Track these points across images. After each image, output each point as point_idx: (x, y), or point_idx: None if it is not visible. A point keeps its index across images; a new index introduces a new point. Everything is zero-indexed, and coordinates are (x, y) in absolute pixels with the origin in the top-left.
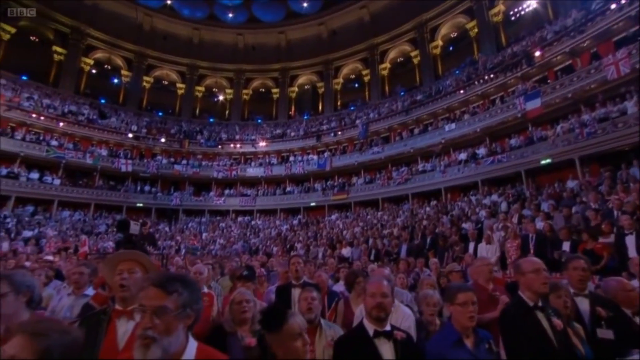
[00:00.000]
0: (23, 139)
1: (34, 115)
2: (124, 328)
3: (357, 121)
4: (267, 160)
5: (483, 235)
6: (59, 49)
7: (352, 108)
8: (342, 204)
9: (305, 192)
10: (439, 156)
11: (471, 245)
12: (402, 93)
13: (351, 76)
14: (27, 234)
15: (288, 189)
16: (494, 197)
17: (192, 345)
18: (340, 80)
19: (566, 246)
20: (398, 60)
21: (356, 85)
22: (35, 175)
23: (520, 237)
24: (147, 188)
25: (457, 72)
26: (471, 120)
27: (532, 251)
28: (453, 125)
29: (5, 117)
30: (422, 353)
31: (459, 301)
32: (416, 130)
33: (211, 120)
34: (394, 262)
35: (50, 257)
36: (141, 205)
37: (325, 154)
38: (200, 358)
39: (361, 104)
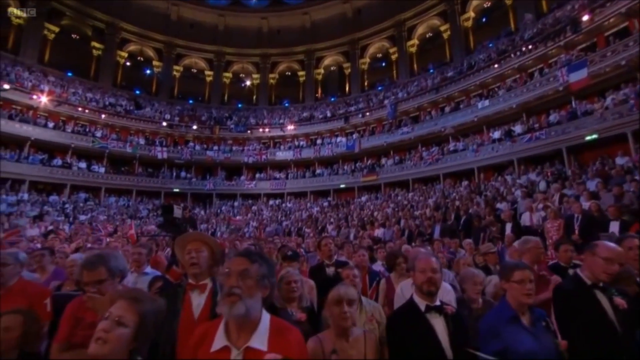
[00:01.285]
0: (72, 132)
1: (79, 109)
2: (197, 301)
3: (386, 101)
4: (296, 144)
5: (519, 215)
6: (97, 45)
7: (379, 88)
8: (372, 185)
9: (334, 174)
10: (467, 136)
11: (507, 226)
12: (431, 70)
13: (378, 55)
14: (82, 217)
15: (317, 171)
16: (531, 176)
17: (266, 315)
18: (367, 59)
19: (614, 227)
20: (427, 35)
21: (383, 64)
22: (83, 164)
23: (564, 217)
24: (182, 174)
25: (490, 45)
26: (506, 95)
27: (576, 232)
28: (487, 102)
29: (56, 112)
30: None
31: (515, 278)
32: (447, 109)
33: (239, 105)
34: (428, 242)
35: (106, 239)
36: (177, 190)
37: (354, 136)
38: (274, 327)
39: (389, 84)
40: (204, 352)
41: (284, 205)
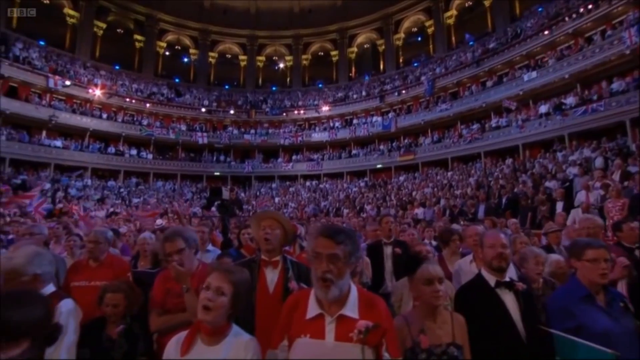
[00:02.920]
0: (122, 121)
1: (127, 100)
2: (270, 276)
3: (422, 78)
4: (331, 124)
5: (572, 194)
6: (138, 37)
7: (415, 64)
8: (409, 164)
9: (370, 154)
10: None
11: (559, 205)
12: (471, 42)
13: (413, 29)
14: (135, 200)
15: (353, 151)
16: (586, 152)
17: (354, 287)
18: (402, 35)
19: None
20: (466, 4)
21: (419, 39)
22: (134, 151)
23: (628, 196)
24: (222, 158)
25: (540, 9)
26: (558, 65)
27: None
28: (534, 74)
29: (108, 104)
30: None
31: (588, 257)
32: (489, 83)
33: (274, 88)
34: (472, 222)
35: (160, 221)
36: (218, 173)
37: (390, 115)
38: (362, 297)
39: (425, 59)
40: (299, 318)
41: (321, 186)
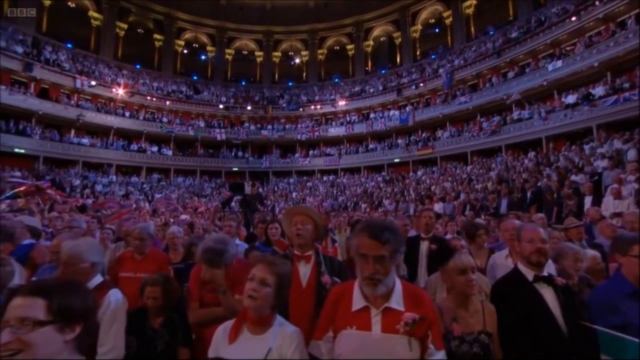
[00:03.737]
0: (144, 119)
1: (148, 98)
2: (303, 270)
3: (440, 70)
4: (348, 119)
5: (601, 188)
6: (158, 36)
7: (433, 56)
8: (427, 158)
9: (388, 149)
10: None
11: (587, 200)
12: (491, 32)
13: (430, 21)
14: (157, 196)
15: (370, 146)
16: (616, 143)
17: (397, 280)
18: (419, 27)
19: None
20: None
21: (437, 30)
22: (155, 148)
23: None
24: (239, 153)
25: None
26: (585, 53)
27: None
28: (559, 63)
29: (130, 102)
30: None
31: (635, 252)
32: (510, 74)
33: (290, 84)
34: (493, 217)
35: (184, 216)
36: (236, 169)
37: (407, 108)
38: (406, 289)
39: (443, 51)
40: (344, 310)
41: (338, 180)
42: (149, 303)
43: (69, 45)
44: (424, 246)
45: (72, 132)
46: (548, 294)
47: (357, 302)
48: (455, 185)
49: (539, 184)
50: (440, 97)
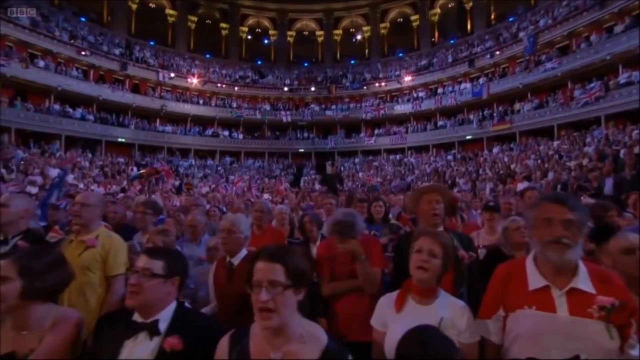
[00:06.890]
0: (215, 105)
1: (219, 85)
2: None
3: (521, 34)
4: (415, 95)
5: None
6: (224, 25)
7: (511, 19)
8: (504, 134)
9: (459, 125)
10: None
11: None
12: None
13: None
14: (231, 177)
15: (439, 123)
16: None
17: (580, 260)
18: None
19: None
20: None
21: None
22: (226, 132)
23: None
24: (305, 134)
25: None
26: None
27: None
28: None
29: (203, 90)
30: None
31: None
32: (618, 28)
33: (352, 62)
34: (595, 198)
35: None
36: (302, 150)
37: (481, 80)
38: (592, 270)
39: (524, 11)
40: (518, 289)
41: (405, 160)
42: None
43: (152, 43)
44: None
45: (157, 121)
46: None
47: (535, 281)
48: (541, 163)
49: None
50: (521, 65)
